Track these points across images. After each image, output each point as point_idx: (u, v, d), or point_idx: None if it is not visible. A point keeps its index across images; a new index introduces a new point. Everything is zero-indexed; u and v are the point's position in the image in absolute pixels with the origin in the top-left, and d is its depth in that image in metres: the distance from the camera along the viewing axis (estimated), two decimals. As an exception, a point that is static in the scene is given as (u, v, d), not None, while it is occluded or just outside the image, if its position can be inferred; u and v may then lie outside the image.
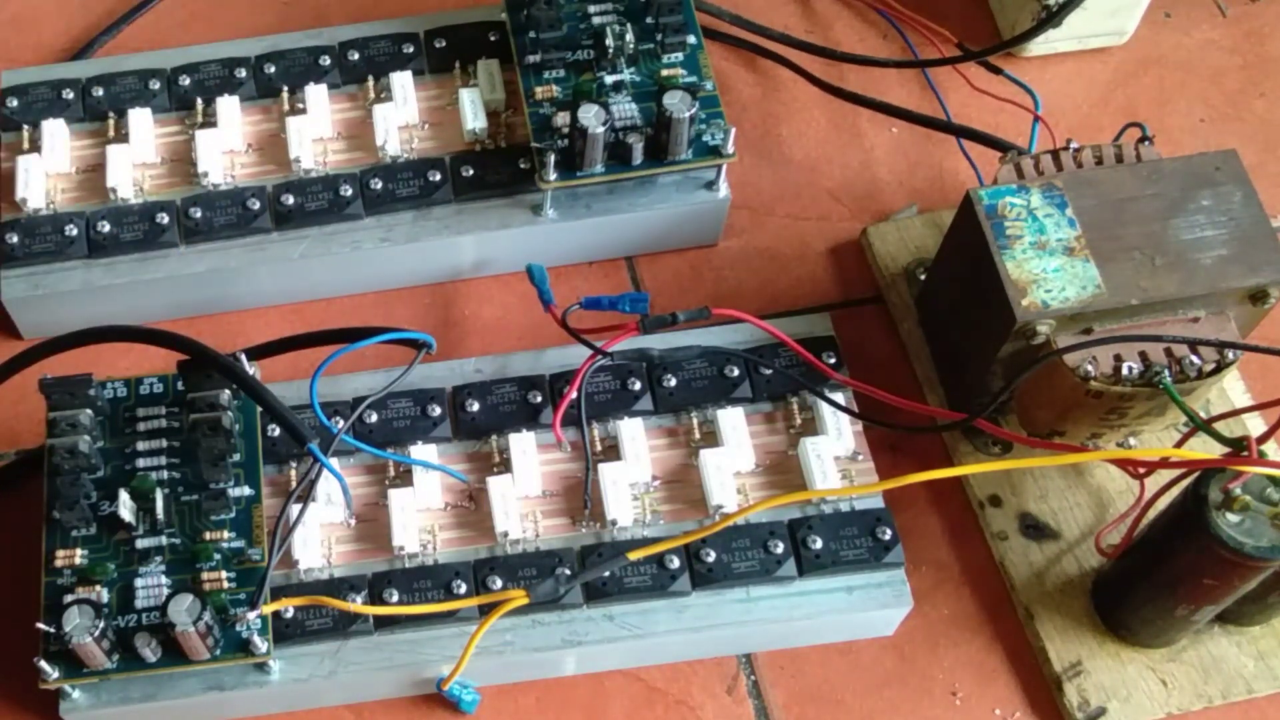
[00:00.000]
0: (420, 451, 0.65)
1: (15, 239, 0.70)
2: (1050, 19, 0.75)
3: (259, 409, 0.65)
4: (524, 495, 0.64)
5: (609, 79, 0.72)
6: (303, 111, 0.74)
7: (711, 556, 0.62)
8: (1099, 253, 0.61)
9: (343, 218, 0.71)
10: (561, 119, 0.71)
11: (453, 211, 0.72)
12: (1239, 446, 0.54)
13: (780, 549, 0.62)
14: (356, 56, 0.75)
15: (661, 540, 0.61)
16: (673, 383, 0.66)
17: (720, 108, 0.71)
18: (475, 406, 0.66)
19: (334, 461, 0.63)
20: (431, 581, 0.62)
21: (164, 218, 0.71)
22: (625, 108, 0.71)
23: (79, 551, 0.61)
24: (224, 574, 0.61)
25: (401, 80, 0.74)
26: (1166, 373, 0.59)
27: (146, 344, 0.64)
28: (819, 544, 0.62)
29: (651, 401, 0.66)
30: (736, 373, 0.66)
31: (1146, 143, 0.63)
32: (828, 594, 0.62)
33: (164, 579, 0.61)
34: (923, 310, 0.72)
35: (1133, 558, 0.61)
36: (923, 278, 0.72)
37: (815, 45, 0.80)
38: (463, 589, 0.61)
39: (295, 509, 0.61)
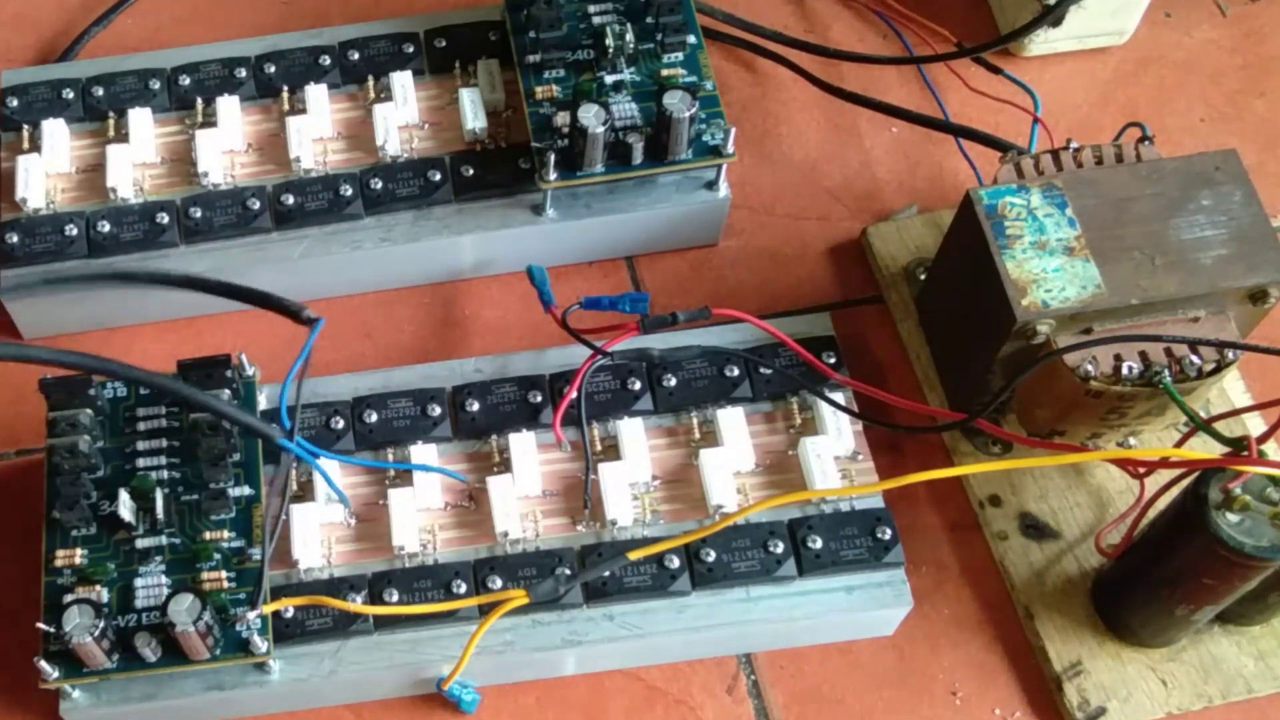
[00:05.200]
0: (420, 451, 0.65)
1: (15, 239, 0.70)
2: (1047, 14, 0.75)
3: (258, 408, 0.65)
4: (524, 495, 0.64)
5: (609, 79, 0.72)
6: (303, 111, 0.74)
7: (711, 556, 0.62)
8: (1099, 252, 0.61)
9: (343, 218, 0.71)
10: (561, 119, 0.71)
11: (453, 211, 0.72)
12: (1239, 446, 0.54)
13: (780, 549, 0.62)
14: (356, 56, 0.75)
15: (661, 540, 0.61)
16: (673, 383, 0.66)
17: (720, 108, 0.71)
18: (475, 406, 0.66)
19: (325, 462, 0.63)
20: (431, 581, 0.62)
21: (164, 217, 0.71)
22: (625, 108, 0.71)
23: (79, 551, 0.61)
24: (224, 574, 0.61)
25: (401, 80, 0.74)
26: (1166, 373, 0.59)
27: (84, 372, 0.63)
28: (819, 544, 0.62)
29: (651, 401, 0.66)
30: (736, 373, 0.66)
31: (1146, 142, 0.63)
32: (828, 594, 0.62)
33: (164, 579, 0.61)
34: (923, 310, 0.72)
35: (1133, 558, 0.61)
36: (923, 278, 0.72)
37: (811, 44, 0.80)
38: (463, 589, 0.61)
39: (275, 501, 0.61)
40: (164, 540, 0.62)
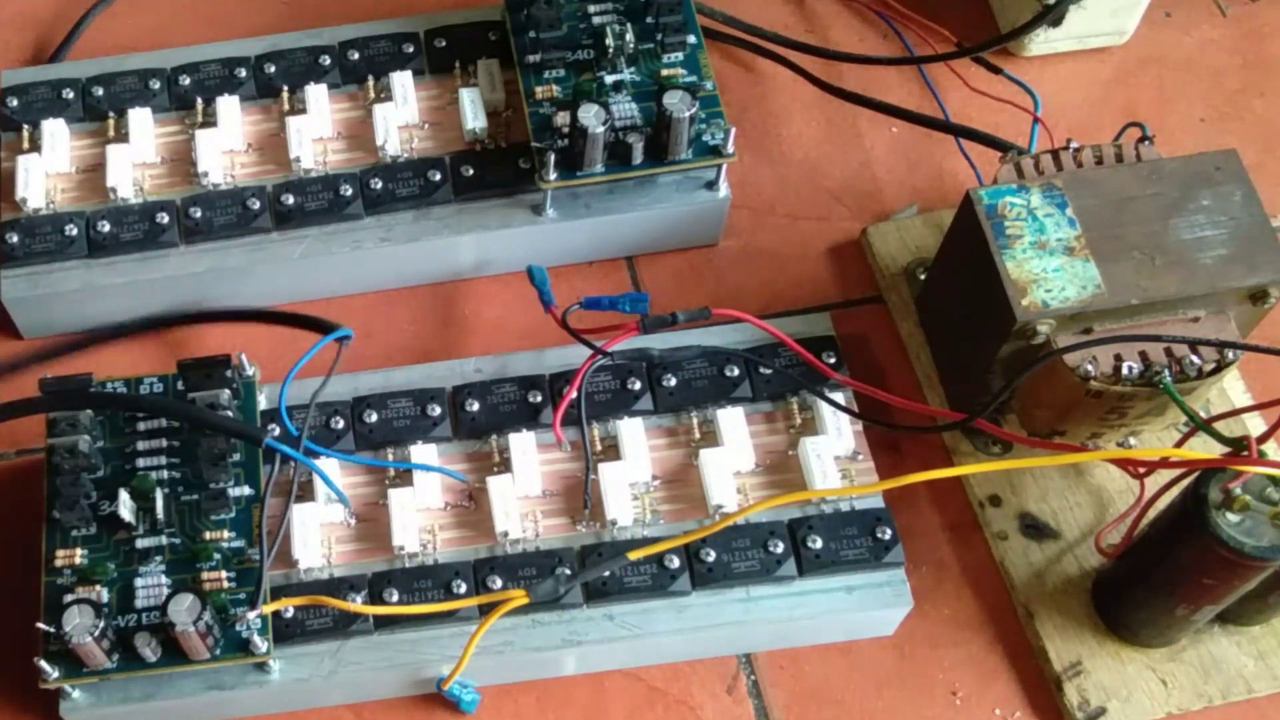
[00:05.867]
0: (420, 451, 0.65)
1: (15, 239, 0.70)
2: (1047, 13, 0.75)
3: (258, 408, 0.65)
4: (524, 495, 0.64)
5: (609, 79, 0.72)
6: (303, 111, 0.74)
7: (711, 556, 0.62)
8: (1099, 252, 0.61)
9: (343, 218, 0.71)
10: (561, 119, 0.71)
11: (453, 211, 0.72)
12: (1239, 446, 0.54)
13: (780, 549, 0.62)
14: (356, 56, 0.75)
15: (661, 540, 0.61)
16: (673, 383, 0.66)
17: (720, 107, 0.71)
18: (475, 406, 0.66)
19: (320, 460, 0.63)
20: (431, 581, 0.62)
21: (164, 217, 0.71)
22: (625, 107, 0.71)
23: (79, 551, 0.61)
24: (224, 574, 0.61)
25: (401, 80, 0.74)
26: (1166, 373, 0.59)
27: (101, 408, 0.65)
28: (819, 544, 0.62)
29: (651, 401, 0.66)
30: (736, 373, 0.66)
31: (1146, 142, 0.63)
32: (828, 594, 0.62)
33: (164, 579, 0.61)
34: (923, 310, 0.72)
35: (1133, 558, 0.61)
36: (923, 278, 0.72)
37: (811, 45, 0.80)
38: (463, 589, 0.61)
39: (272, 502, 0.62)
40: (164, 540, 0.62)
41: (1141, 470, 0.62)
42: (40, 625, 0.59)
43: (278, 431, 0.64)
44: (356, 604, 0.60)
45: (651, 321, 0.65)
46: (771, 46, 0.81)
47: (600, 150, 0.69)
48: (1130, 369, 0.59)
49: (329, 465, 0.64)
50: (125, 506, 0.61)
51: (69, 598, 0.59)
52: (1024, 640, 0.65)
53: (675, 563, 0.62)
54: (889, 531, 0.62)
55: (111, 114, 0.74)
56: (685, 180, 0.72)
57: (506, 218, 0.72)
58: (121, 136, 0.73)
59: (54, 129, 0.73)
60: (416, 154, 0.73)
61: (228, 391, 0.63)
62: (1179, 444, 0.62)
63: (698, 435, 0.66)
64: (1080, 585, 0.65)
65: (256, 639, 0.59)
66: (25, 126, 0.74)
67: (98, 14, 0.83)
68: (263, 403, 0.66)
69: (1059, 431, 0.65)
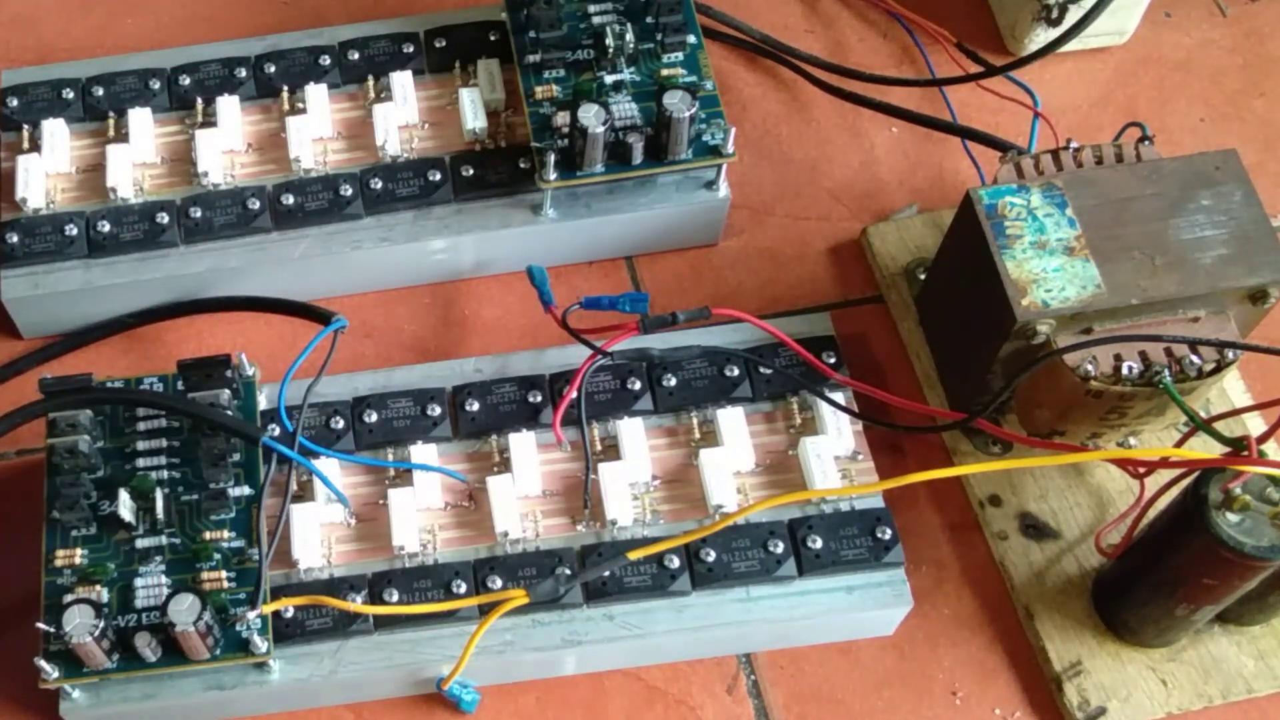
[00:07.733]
0: (420, 451, 0.65)
1: (15, 239, 0.70)
2: (1070, 35, 0.75)
3: (258, 408, 0.65)
4: (524, 495, 0.64)
5: (609, 79, 0.72)
6: (303, 111, 0.74)
7: (711, 556, 0.62)
8: (1099, 252, 0.61)
9: (343, 218, 0.71)
10: (561, 119, 0.71)
11: (453, 211, 0.72)
12: (1239, 446, 0.54)
13: (780, 549, 0.62)
14: (356, 56, 0.75)
15: (661, 540, 0.61)
16: (673, 383, 0.66)
17: (720, 107, 0.71)
18: (475, 406, 0.66)
19: (321, 461, 0.63)
20: (431, 581, 0.62)
21: (164, 217, 0.71)
22: (625, 107, 0.71)
23: (79, 551, 0.61)
24: (224, 574, 0.61)
25: (401, 80, 0.74)
26: (1166, 373, 0.59)
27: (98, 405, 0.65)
28: (819, 544, 0.62)
29: (651, 401, 0.66)
30: (736, 372, 0.66)
31: (1146, 142, 0.63)
32: (828, 594, 0.62)
33: (164, 579, 0.61)
34: (923, 310, 0.72)
35: (1133, 557, 0.61)
36: (923, 278, 0.72)
37: (836, 65, 0.79)
38: (463, 589, 0.61)
39: (269, 502, 0.62)
40: (164, 540, 0.62)
41: (1141, 470, 0.62)
42: (40, 625, 0.59)
43: (277, 431, 0.64)
44: (356, 604, 0.61)
45: (651, 321, 0.65)
46: (770, 48, 0.81)
47: (600, 150, 0.69)
48: (1130, 369, 0.59)
49: (329, 465, 0.64)
50: (125, 506, 0.61)
51: (69, 598, 0.59)
52: (1024, 640, 0.65)
53: (675, 563, 0.62)
54: (889, 531, 0.62)
55: (111, 114, 0.74)
56: (685, 180, 0.72)
57: (506, 218, 0.72)
58: (121, 136, 0.73)
59: (54, 129, 0.73)
60: (416, 154, 0.73)
61: (227, 391, 0.63)
62: (1179, 444, 0.62)
63: (698, 435, 0.66)
64: (1080, 585, 0.65)
65: (256, 639, 0.59)
66: (25, 126, 0.74)
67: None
68: (263, 403, 0.66)
69: (1059, 431, 0.65)
